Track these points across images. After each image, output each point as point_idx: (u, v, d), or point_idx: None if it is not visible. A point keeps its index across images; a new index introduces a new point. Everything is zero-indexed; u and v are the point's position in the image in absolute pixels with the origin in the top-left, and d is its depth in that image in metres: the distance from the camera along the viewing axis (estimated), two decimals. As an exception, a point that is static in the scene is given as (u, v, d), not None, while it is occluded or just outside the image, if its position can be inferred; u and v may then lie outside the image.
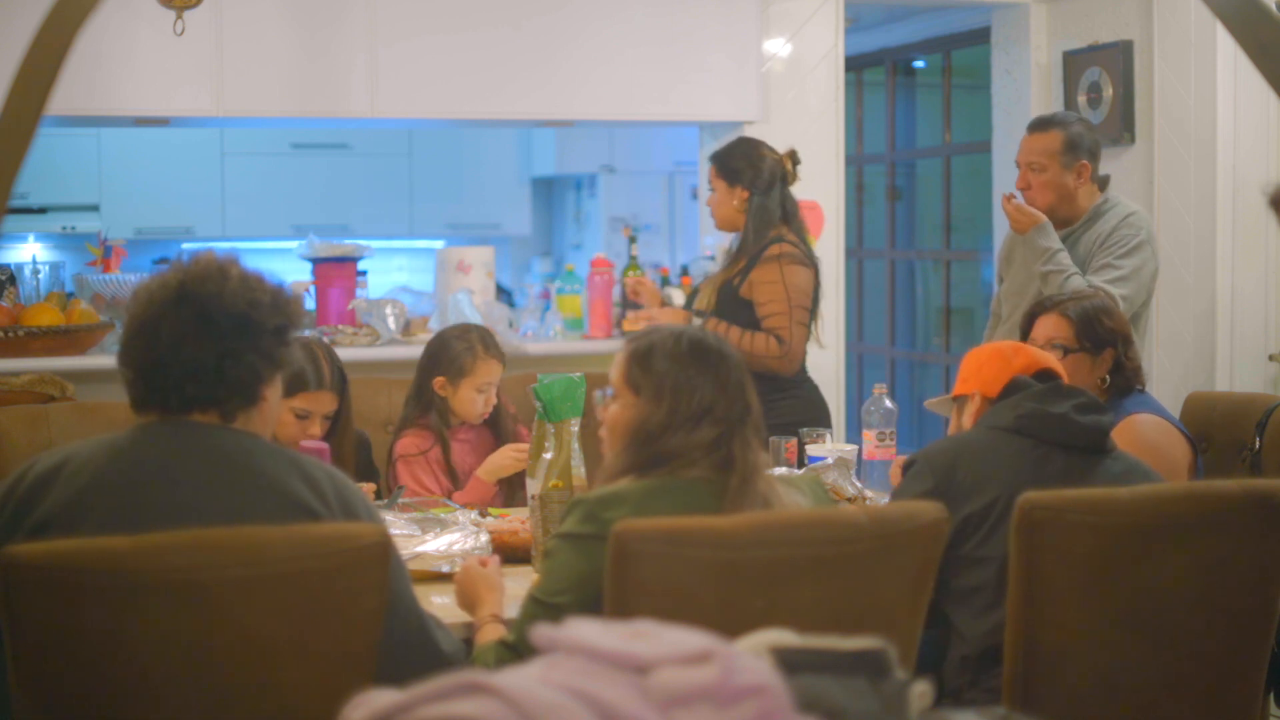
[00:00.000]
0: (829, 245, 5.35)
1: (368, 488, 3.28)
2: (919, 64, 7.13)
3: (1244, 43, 2.05)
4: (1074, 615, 2.38)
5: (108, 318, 4.71)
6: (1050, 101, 5.51)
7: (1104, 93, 5.23)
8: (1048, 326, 3.23)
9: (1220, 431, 3.55)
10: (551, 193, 8.07)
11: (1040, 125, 4.01)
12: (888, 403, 3.68)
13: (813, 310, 4.08)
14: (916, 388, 7.28)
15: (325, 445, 3.10)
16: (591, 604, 2.19)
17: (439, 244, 7.24)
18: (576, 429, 2.91)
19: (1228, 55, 4.75)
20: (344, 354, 3.46)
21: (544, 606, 2.27)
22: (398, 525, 2.81)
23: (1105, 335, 3.20)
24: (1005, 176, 5.55)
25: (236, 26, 4.76)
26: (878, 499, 3.24)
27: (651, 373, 2.33)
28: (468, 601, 2.51)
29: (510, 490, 3.59)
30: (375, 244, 5.56)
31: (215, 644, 1.93)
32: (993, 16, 5.76)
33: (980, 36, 5.97)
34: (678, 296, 5.08)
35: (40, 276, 5.48)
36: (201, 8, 4.62)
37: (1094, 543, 2.36)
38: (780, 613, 1.94)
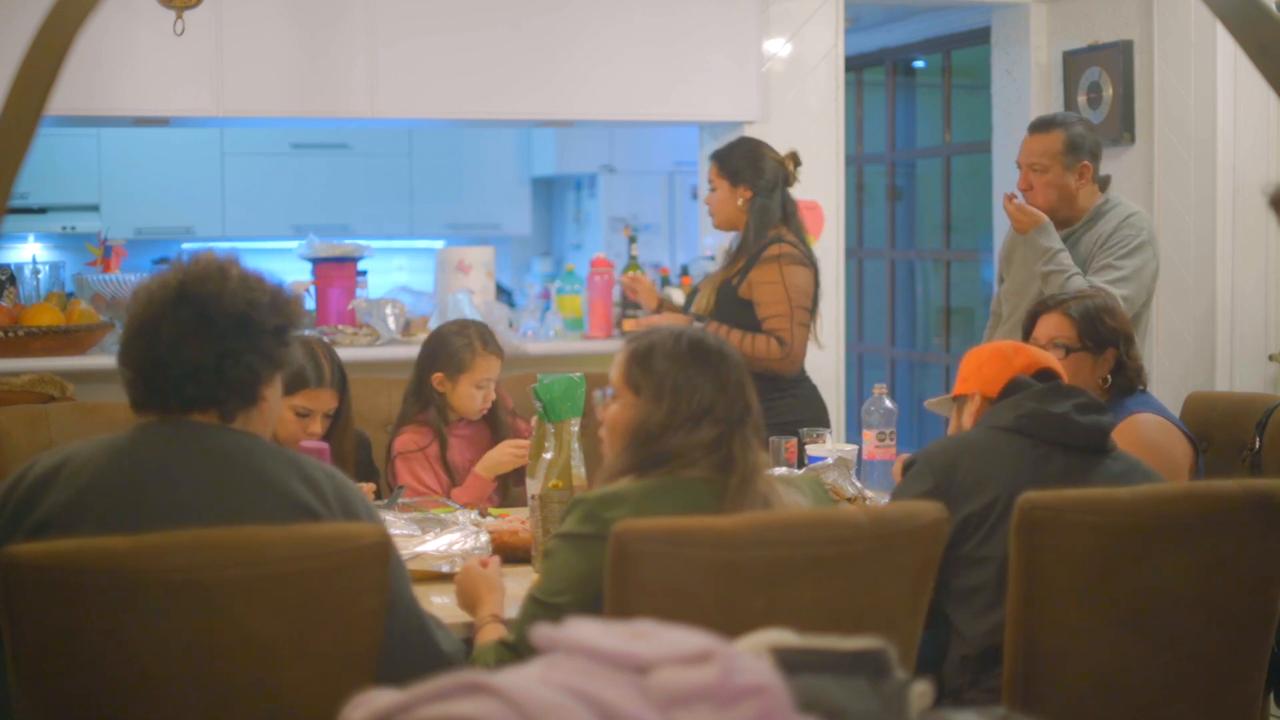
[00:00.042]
0: (829, 245, 5.35)
1: (368, 488, 3.28)
2: (919, 64, 7.13)
3: (1244, 43, 2.05)
4: (1074, 615, 2.38)
5: (108, 318, 4.71)
6: (1050, 101, 5.51)
7: (1104, 93, 5.23)
8: (1050, 326, 3.23)
9: (1220, 431, 3.55)
10: (551, 193, 8.07)
11: (1042, 126, 4.01)
12: (888, 403, 3.68)
13: (812, 310, 4.09)
14: (916, 388, 7.28)
15: (325, 445, 3.10)
16: (591, 604, 2.19)
17: (439, 244, 7.24)
18: (576, 429, 2.91)
19: (1228, 55, 4.75)
20: (344, 354, 3.46)
21: (544, 606, 2.27)
22: (398, 525, 2.81)
23: (1107, 335, 3.21)
24: (1005, 176, 5.55)
25: (236, 26, 4.76)
26: (878, 499, 3.24)
27: (651, 373, 2.33)
28: (468, 602, 2.51)
29: (506, 486, 3.59)
30: (375, 244, 5.56)
31: (215, 644, 1.93)
32: (993, 16, 5.76)
33: (980, 36, 5.97)
34: (678, 296, 5.07)
35: (40, 276, 5.48)
36: (201, 8, 4.62)
37: (1094, 543, 2.36)
38: (780, 613, 1.94)
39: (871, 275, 7.36)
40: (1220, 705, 2.46)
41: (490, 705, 1.12)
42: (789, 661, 1.24)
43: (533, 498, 2.90)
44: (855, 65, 6.85)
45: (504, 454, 3.50)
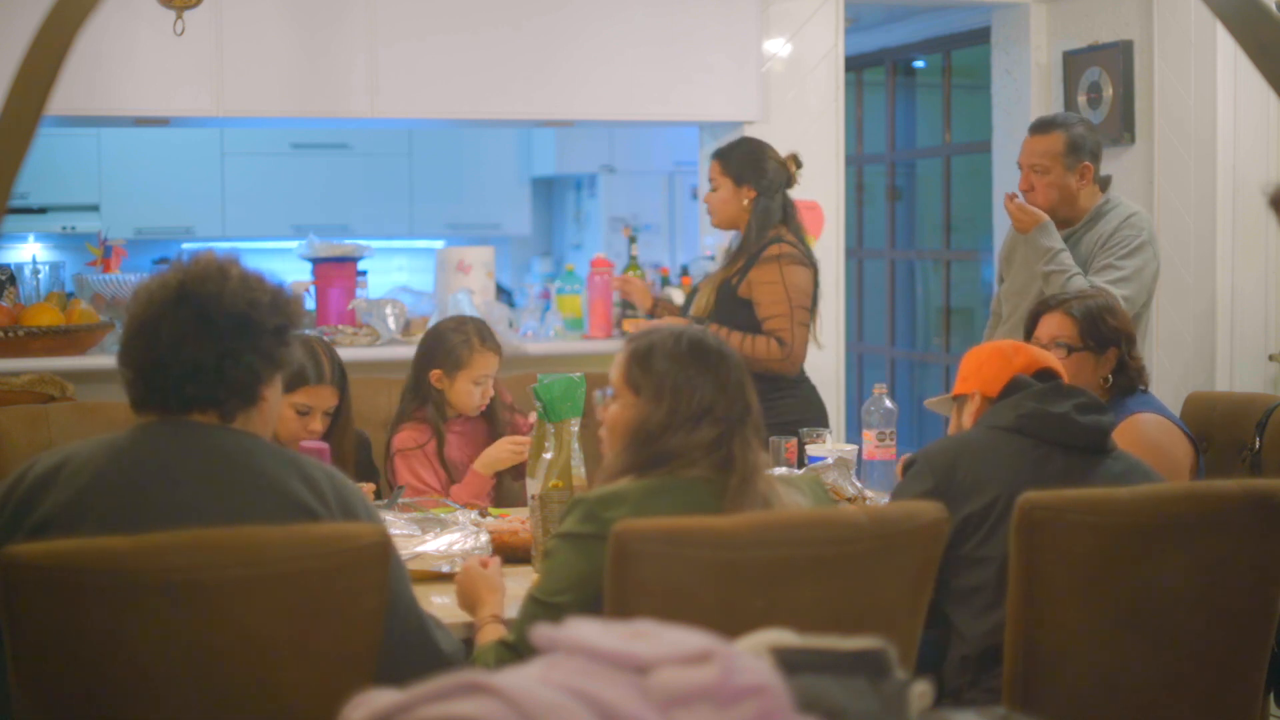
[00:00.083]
0: (829, 245, 5.35)
1: (367, 488, 3.28)
2: (919, 64, 7.13)
3: (1244, 43, 2.05)
4: (1074, 615, 2.38)
5: (108, 318, 4.71)
6: (1050, 101, 5.51)
7: (1104, 93, 5.23)
8: (1052, 325, 3.23)
9: (1220, 431, 3.55)
10: (551, 193, 8.07)
11: (1043, 127, 4.01)
12: (888, 403, 3.68)
13: (812, 310, 4.09)
14: (916, 388, 7.28)
15: (325, 445, 3.10)
16: (591, 603, 2.19)
17: (439, 244, 7.24)
18: (576, 429, 2.91)
19: (1228, 55, 4.75)
20: (344, 354, 3.46)
21: (544, 606, 2.27)
22: (398, 525, 2.81)
23: (1109, 334, 3.21)
24: (1005, 176, 5.55)
25: (236, 26, 4.76)
26: (878, 499, 3.24)
27: (651, 373, 2.33)
28: (468, 602, 2.51)
29: (503, 482, 3.59)
30: (375, 244, 5.56)
31: (215, 644, 1.93)
32: (993, 16, 5.76)
33: (980, 36, 5.97)
34: (678, 297, 5.08)
35: (40, 276, 5.48)
36: (201, 8, 4.63)
37: (1094, 543, 2.36)
38: (780, 613, 1.94)
39: (871, 275, 7.36)
40: (1220, 705, 2.46)
41: (490, 705, 1.12)
42: (789, 661, 1.24)
43: (533, 498, 2.90)
44: (855, 65, 6.85)
45: (502, 451, 3.50)
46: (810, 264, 4.08)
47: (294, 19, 4.83)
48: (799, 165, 4.16)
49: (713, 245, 5.27)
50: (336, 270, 5.09)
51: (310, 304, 5.07)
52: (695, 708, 1.13)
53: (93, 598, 1.90)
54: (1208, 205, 4.85)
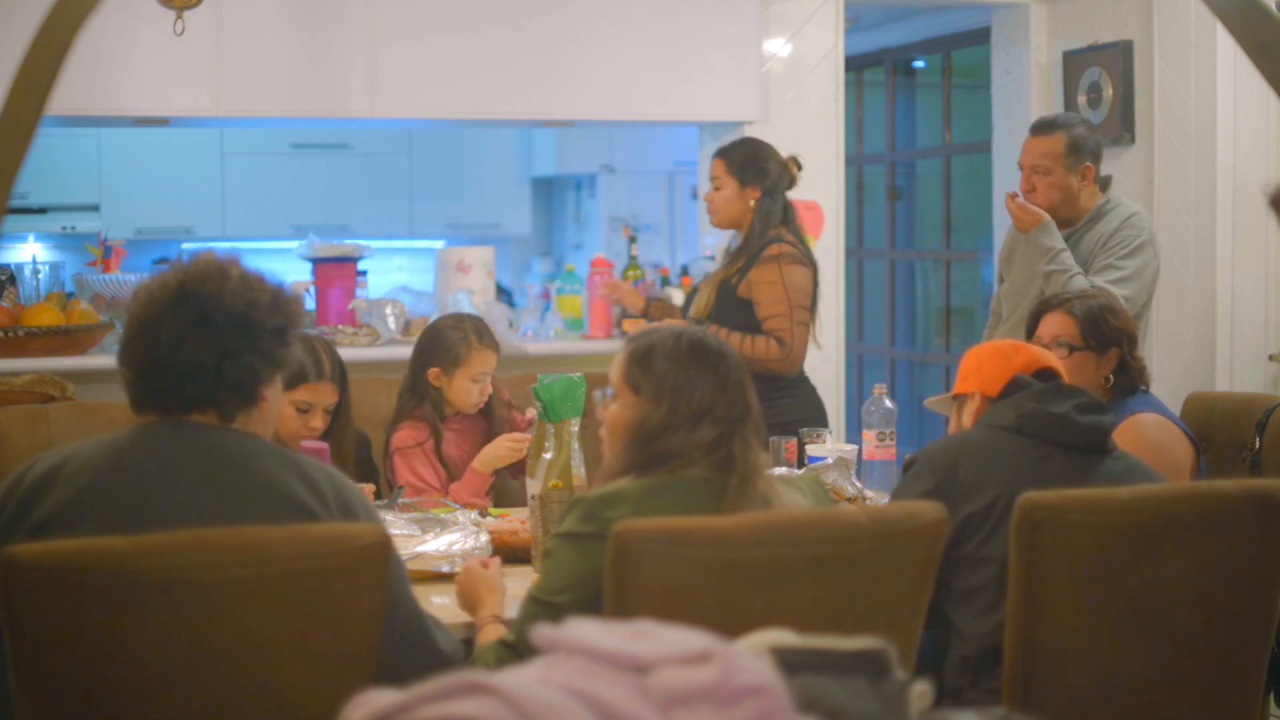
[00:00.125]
0: (829, 245, 5.35)
1: (367, 489, 3.28)
2: (919, 64, 7.13)
3: (1244, 43, 2.05)
4: (1074, 615, 2.38)
5: (108, 318, 4.71)
6: (1050, 102, 5.51)
7: (1104, 93, 5.23)
8: (1053, 324, 3.23)
9: (1220, 431, 3.55)
10: (551, 193, 8.07)
11: (1044, 128, 4.01)
12: (888, 403, 3.68)
13: (812, 310, 4.09)
14: (916, 388, 7.28)
15: (325, 445, 3.10)
16: (591, 603, 2.19)
17: (439, 244, 7.24)
18: (576, 429, 2.91)
19: (1228, 55, 4.75)
20: (344, 354, 3.46)
21: (544, 606, 2.27)
22: (398, 525, 2.81)
23: (1111, 334, 3.21)
24: (1005, 176, 5.55)
25: (236, 26, 4.76)
26: (878, 499, 3.24)
27: (651, 373, 2.33)
28: (469, 603, 2.51)
29: (503, 481, 3.59)
30: (375, 244, 5.56)
31: (215, 644, 1.93)
32: (993, 16, 5.76)
33: (980, 36, 5.97)
34: (678, 297, 5.08)
35: (40, 276, 5.48)
36: (201, 8, 4.62)
37: (1094, 543, 2.36)
38: (780, 613, 1.94)
39: (871, 275, 7.36)
40: (1220, 705, 2.46)
41: (490, 705, 1.12)
42: (789, 661, 1.24)
43: (533, 498, 2.90)
44: (855, 65, 6.85)
45: (501, 448, 3.49)
46: (810, 264, 4.09)
47: (294, 19, 4.83)
48: (799, 167, 4.16)
49: (713, 245, 5.27)
50: (336, 270, 5.09)
51: (310, 304, 5.07)
52: (695, 708, 1.13)
53: (93, 598, 1.90)
54: (1208, 205, 4.85)
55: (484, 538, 2.83)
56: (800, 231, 4.15)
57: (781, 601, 2.12)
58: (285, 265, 5.81)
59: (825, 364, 5.08)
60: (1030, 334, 3.29)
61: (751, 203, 4.09)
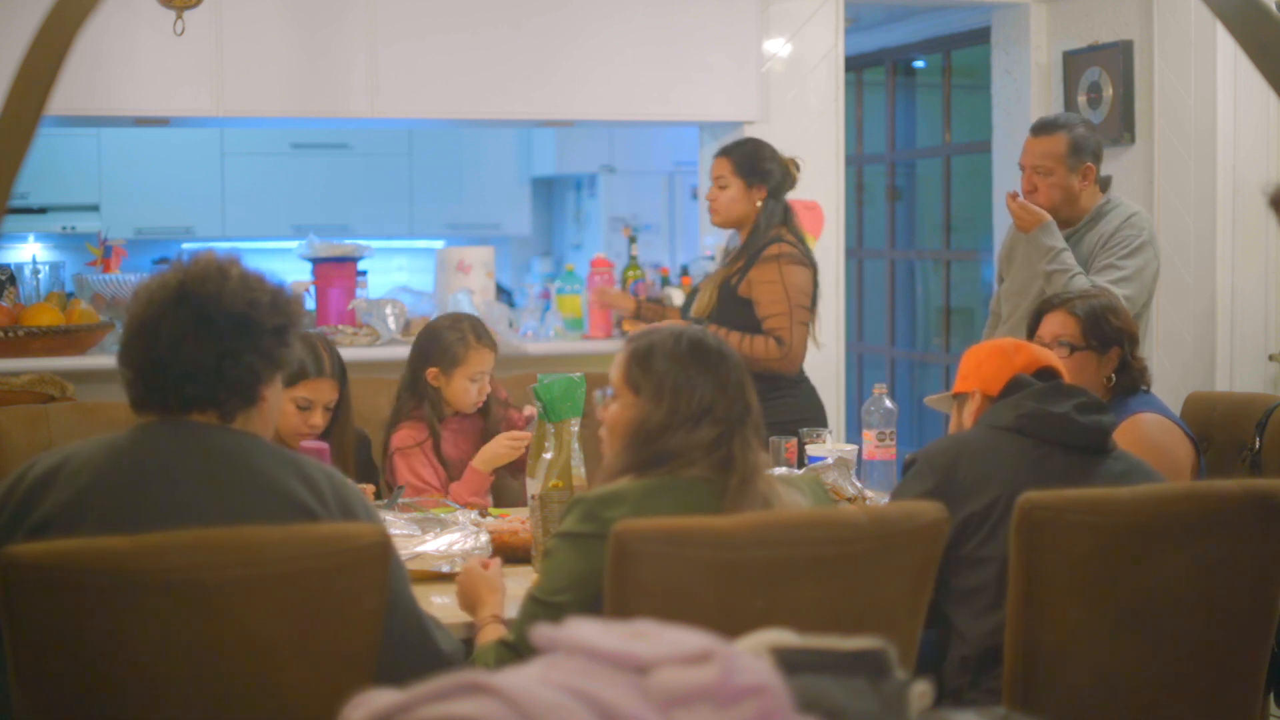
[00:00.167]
0: (829, 245, 5.35)
1: (367, 489, 3.28)
2: (919, 64, 7.13)
3: (1244, 43, 2.05)
4: (1074, 615, 2.38)
5: (108, 318, 4.71)
6: (1050, 102, 5.51)
7: (1104, 93, 5.23)
8: (1055, 324, 3.23)
9: (1220, 431, 3.55)
10: (551, 193, 8.07)
11: (1044, 128, 4.01)
12: (888, 403, 3.68)
13: (812, 310, 4.09)
14: (916, 388, 7.28)
15: (325, 445, 3.10)
16: (591, 603, 2.19)
17: (439, 244, 7.24)
18: (576, 429, 2.91)
19: (1228, 55, 4.75)
20: (344, 354, 3.47)
21: (544, 606, 2.27)
22: (398, 525, 2.81)
23: (1112, 334, 3.21)
24: (1005, 176, 5.55)
25: (236, 26, 4.76)
26: (878, 499, 3.24)
27: (651, 372, 2.33)
28: (469, 603, 2.51)
29: (502, 480, 3.59)
30: (375, 244, 5.56)
31: (215, 644, 1.93)
32: (993, 16, 5.76)
33: (980, 36, 5.97)
34: (678, 297, 5.08)
35: (40, 276, 5.48)
36: (201, 8, 4.63)
37: (1094, 543, 2.36)
38: (780, 613, 1.94)
39: (871, 275, 7.36)
40: (1220, 705, 2.46)
41: (490, 705, 1.12)
42: (789, 661, 1.24)
43: (533, 498, 2.90)
44: (855, 65, 6.85)
45: (501, 447, 3.50)
46: (810, 264, 4.09)
47: (294, 19, 4.83)
48: (798, 168, 4.17)
49: (713, 245, 5.27)
50: (336, 270, 5.09)
51: (310, 304, 5.07)
52: (695, 708, 1.13)
53: (93, 598, 1.90)
54: (1208, 205, 4.85)
55: (484, 538, 2.83)
56: (800, 231, 4.16)
57: (781, 601, 2.11)
58: (285, 265, 5.81)
59: (825, 364, 5.08)
60: (1031, 333, 3.29)
61: (758, 203, 4.10)
